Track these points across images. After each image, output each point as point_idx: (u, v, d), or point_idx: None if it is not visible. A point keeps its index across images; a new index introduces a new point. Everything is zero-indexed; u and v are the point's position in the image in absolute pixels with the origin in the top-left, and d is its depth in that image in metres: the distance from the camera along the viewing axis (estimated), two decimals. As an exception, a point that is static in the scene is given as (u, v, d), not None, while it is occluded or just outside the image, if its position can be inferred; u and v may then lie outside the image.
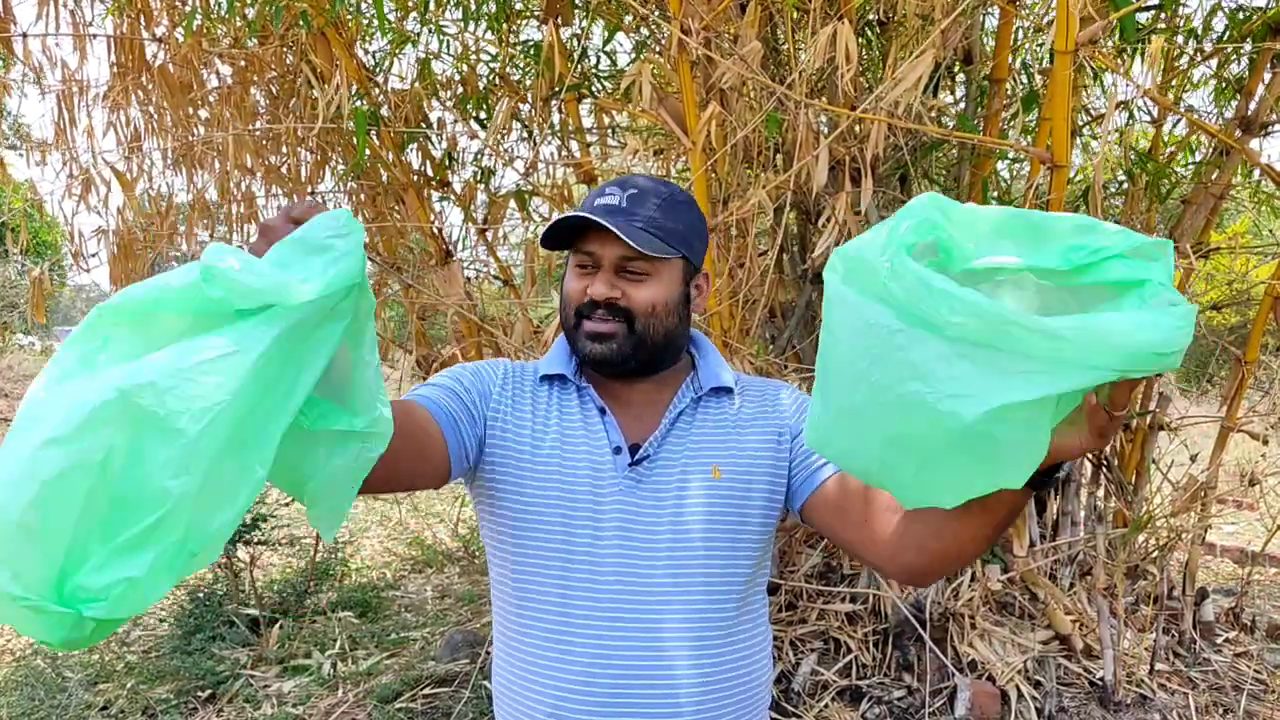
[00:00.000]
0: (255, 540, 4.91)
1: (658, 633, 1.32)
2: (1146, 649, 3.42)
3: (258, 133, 3.91)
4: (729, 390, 1.45)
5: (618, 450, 1.37)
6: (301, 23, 3.45)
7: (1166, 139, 4.10)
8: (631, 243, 1.27)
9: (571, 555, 1.34)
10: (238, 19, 3.85)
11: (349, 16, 3.64)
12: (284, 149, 4.07)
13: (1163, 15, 3.49)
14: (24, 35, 3.85)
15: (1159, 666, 3.42)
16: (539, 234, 1.35)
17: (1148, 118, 4.00)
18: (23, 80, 4.02)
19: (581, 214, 1.30)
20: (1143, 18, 3.40)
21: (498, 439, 1.39)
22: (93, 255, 3.84)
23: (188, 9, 3.85)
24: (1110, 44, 3.33)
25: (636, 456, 1.37)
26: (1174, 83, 3.89)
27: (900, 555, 1.24)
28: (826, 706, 3.17)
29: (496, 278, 4.39)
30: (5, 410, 11.97)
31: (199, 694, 3.88)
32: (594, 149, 4.10)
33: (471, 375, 1.42)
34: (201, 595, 4.78)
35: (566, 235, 1.35)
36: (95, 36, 3.98)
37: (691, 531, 1.34)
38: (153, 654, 4.38)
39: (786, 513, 1.45)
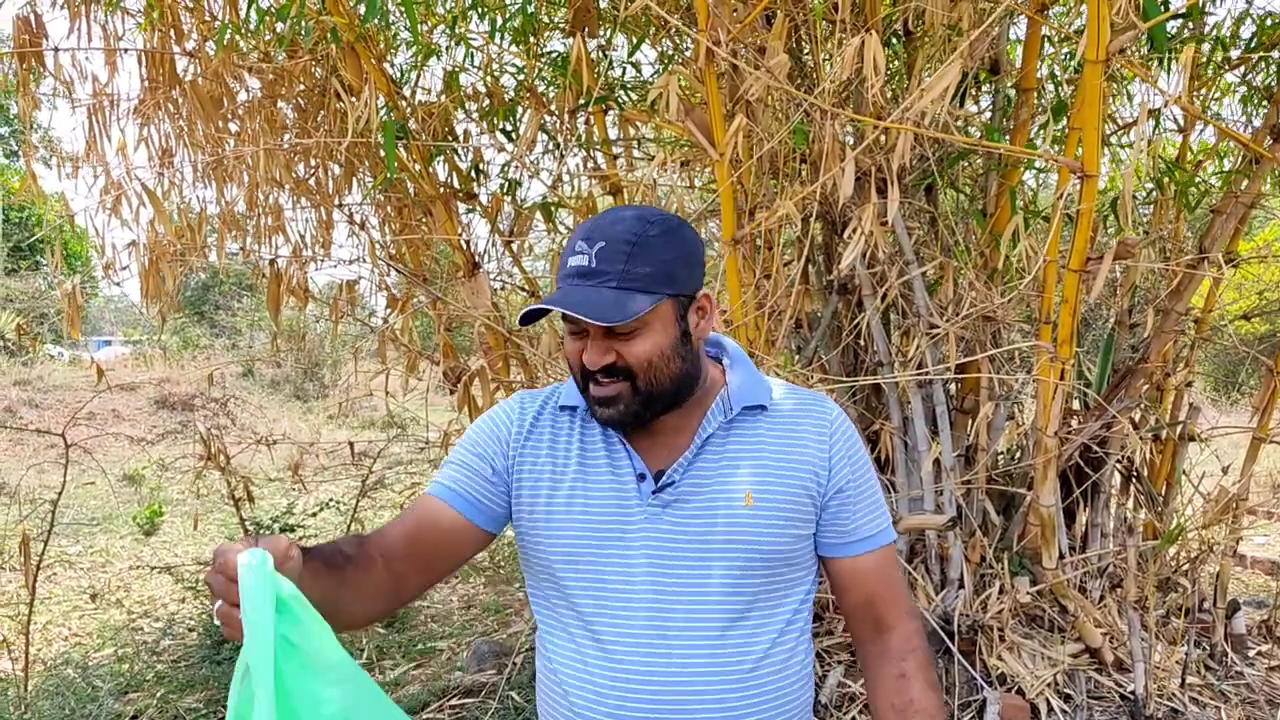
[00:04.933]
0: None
1: (690, 665, 1.30)
2: (1178, 662, 3.39)
3: (286, 146, 3.95)
4: (763, 407, 1.40)
5: (641, 478, 1.34)
6: (331, 37, 3.49)
7: (1195, 147, 4.08)
8: (600, 323, 1.23)
9: (603, 586, 1.33)
10: (266, 33, 3.89)
11: (378, 31, 3.68)
12: (313, 161, 4.11)
13: (1190, 24, 3.48)
14: (55, 49, 3.89)
15: (1190, 680, 3.39)
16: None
17: (1174, 126, 3.98)
18: (54, 94, 4.06)
19: (547, 305, 1.26)
20: (1170, 25, 3.39)
21: (523, 480, 1.40)
22: (124, 268, 3.86)
23: (218, 25, 3.89)
24: (1138, 53, 3.32)
25: (660, 484, 1.33)
26: (1202, 91, 3.88)
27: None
28: (854, 719, 3.16)
29: (522, 289, 4.40)
30: (36, 421, 12.07)
31: (228, 703, 3.90)
32: (619, 160, 4.11)
33: (489, 434, 1.43)
34: (229, 604, 4.80)
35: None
36: (126, 51, 4.03)
37: (720, 561, 1.31)
38: (182, 663, 4.42)
39: None
